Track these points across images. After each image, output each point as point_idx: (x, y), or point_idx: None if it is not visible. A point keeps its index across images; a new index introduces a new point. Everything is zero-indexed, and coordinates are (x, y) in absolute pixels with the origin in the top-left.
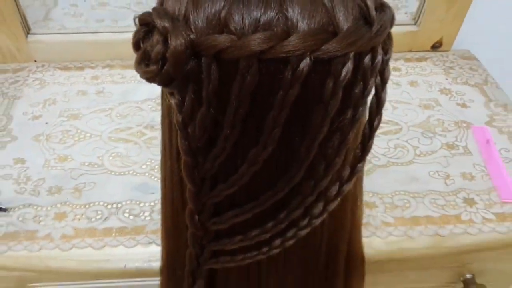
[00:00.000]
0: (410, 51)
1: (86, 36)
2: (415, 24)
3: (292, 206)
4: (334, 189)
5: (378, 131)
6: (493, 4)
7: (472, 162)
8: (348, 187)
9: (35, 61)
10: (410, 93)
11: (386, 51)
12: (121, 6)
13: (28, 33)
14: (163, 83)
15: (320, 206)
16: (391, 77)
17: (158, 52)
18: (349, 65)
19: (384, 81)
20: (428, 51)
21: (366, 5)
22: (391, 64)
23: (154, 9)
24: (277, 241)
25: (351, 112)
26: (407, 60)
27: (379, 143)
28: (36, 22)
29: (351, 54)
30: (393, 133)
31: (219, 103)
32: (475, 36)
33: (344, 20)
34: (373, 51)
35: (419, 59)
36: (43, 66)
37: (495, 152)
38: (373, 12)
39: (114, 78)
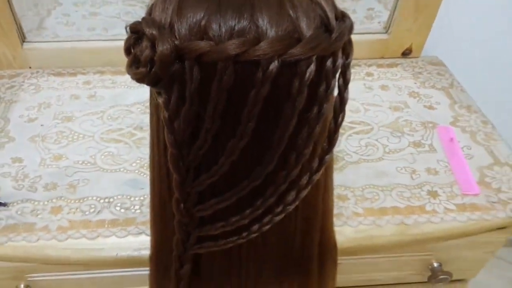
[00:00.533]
0: (382, 57)
1: (78, 43)
2: (386, 32)
3: (267, 194)
4: (305, 179)
5: (351, 131)
6: (460, 14)
7: (436, 159)
8: (317, 176)
9: (30, 67)
10: (381, 96)
11: (347, 55)
12: (111, 15)
13: (23, 41)
14: (151, 83)
15: (293, 194)
16: (364, 82)
17: (147, 56)
18: (312, 67)
19: (346, 82)
20: (399, 57)
21: (326, 15)
22: (365, 69)
23: (143, 18)
24: (255, 227)
25: (316, 108)
26: (379, 66)
27: (351, 142)
28: (30, 30)
29: (314, 58)
30: (364, 133)
31: (200, 101)
32: (445, 43)
33: (307, 28)
34: (334, 55)
35: (390, 65)
36: (37, 72)
37: (458, 149)
38: (333, 22)
39: (105, 83)
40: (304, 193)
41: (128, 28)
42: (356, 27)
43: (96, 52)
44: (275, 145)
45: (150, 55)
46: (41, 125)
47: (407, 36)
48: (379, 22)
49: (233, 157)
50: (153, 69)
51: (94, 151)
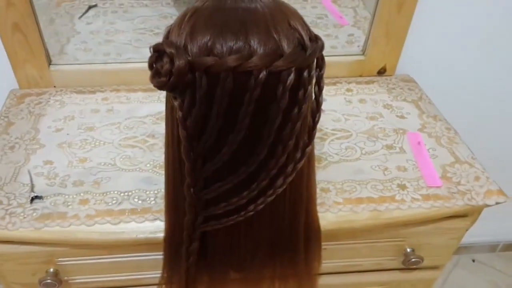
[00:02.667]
0: (360, 76)
1: (96, 66)
2: (363, 54)
3: (261, 178)
4: (290, 167)
5: (333, 137)
6: (428, 36)
7: (406, 158)
8: (300, 165)
9: (55, 86)
10: (359, 108)
11: (321, 67)
12: (124, 42)
13: (50, 64)
14: (170, 89)
15: (281, 179)
16: (344, 96)
17: (167, 69)
18: (292, 76)
19: (320, 89)
20: (375, 76)
21: (302, 37)
22: (345, 86)
23: (163, 41)
24: (251, 206)
25: (297, 108)
26: (358, 83)
27: (333, 146)
28: (53, 55)
29: (293, 69)
30: (344, 138)
31: (207, 103)
32: (416, 63)
33: (287, 47)
34: (309, 67)
35: (368, 82)
36: (61, 90)
37: (424, 150)
38: (307, 42)
39: (120, 99)
40: (290, 178)
41: (151, 48)
42: (338, 50)
43: (111, 73)
44: (265, 137)
45: (169, 68)
46: (67, 134)
47: (381, 57)
48: (358, 46)
49: (232, 148)
50: (171, 79)
51: (114, 154)
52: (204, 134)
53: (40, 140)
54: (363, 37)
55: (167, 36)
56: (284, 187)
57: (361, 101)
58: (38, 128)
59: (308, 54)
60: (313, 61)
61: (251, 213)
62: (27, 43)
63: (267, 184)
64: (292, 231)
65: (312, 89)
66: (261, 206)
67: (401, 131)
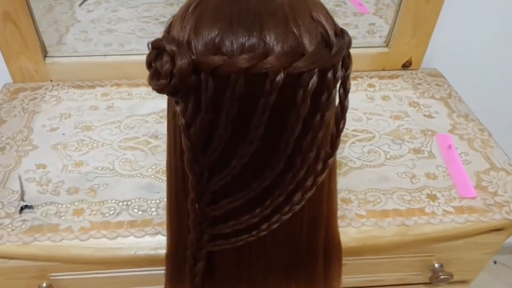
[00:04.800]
0: (383, 69)
1: (96, 58)
2: (386, 46)
3: (276, 194)
4: (310, 180)
5: (354, 139)
6: (457, 28)
7: (435, 164)
8: (321, 178)
9: (51, 80)
10: (382, 106)
11: (347, 67)
12: (127, 32)
13: (45, 56)
14: (171, 93)
15: (299, 194)
16: (366, 93)
17: (167, 69)
18: (315, 79)
19: (346, 92)
20: (399, 69)
21: (327, 32)
22: (367, 81)
23: (163, 36)
24: (264, 225)
25: (319, 115)
26: (381, 77)
27: (354, 149)
28: (50, 46)
29: (316, 70)
30: (367, 140)
31: (214, 109)
32: (444, 55)
33: (309, 44)
34: (334, 68)
35: (391, 77)
36: (58, 84)
37: (456, 155)
38: (332, 38)
39: (121, 95)
40: (309, 194)
41: (149, 44)
42: (358, 41)
43: (112, 66)
44: (282, 149)
45: (170, 69)
46: (63, 134)
47: (407, 49)
48: (380, 36)
49: (244, 160)
50: (172, 81)
51: (113, 158)
52: (211, 144)
53: (33, 141)
54: (386, 26)
55: (168, 30)
56: (303, 203)
57: (385, 98)
58: (32, 127)
59: (333, 53)
60: (339, 61)
61: (264, 232)
62: (20, 34)
63: (283, 200)
64: (310, 249)
65: (337, 92)
66: (275, 225)
67: (429, 132)
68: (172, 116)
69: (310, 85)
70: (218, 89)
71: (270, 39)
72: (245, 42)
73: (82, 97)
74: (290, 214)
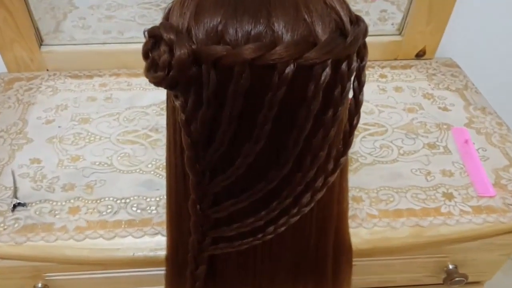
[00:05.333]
0: (396, 59)
1: (95, 46)
2: (399, 34)
3: (283, 196)
4: (320, 181)
5: (365, 133)
6: (474, 15)
7: (451, 160)
8: (332, 178)
9: (47, 70)
10: (395, 98)
11: (362, 58)
12: (127, 18)
13: (41, 44)
14: (169, 86)
15: (308, 196)
16: (378, 83)
17: (165, 60)
18: (328, 71)
19: (361, 85)
20: (413, 59)
21: (341, 19)
22: (378, 71)
23: (161, 23)
24: (271, 228)
25: (332, 111)
26: (393, 67)
27: (366, 144)
28: (47, 33)
29: (329, 61)
30: (379, 134)
31: (217, 103)
32: (459, 44)
33: (322, 32)
34: (348, 59)
35: (404, 67)
36: (54, 74)
37: (473, 151)
38: (348, 26)
39: (121, 86)
40: (319, 195)
41: (146, 32)
42: (370, 29)
43: (111, 54)
44: (291, 147)
45: (168, 59)
46: (59, 127)
47: (421, 38)
48: (392, 24)
49: (249, 159)
50: (170, 73)
51: (111, 152)
52: (213, 142)
53: (27, 134)
54: (398, 13)
55: (167, 16)
56: (312, 205)
57: (397, 89)
58: (26, 119)
59: (348, 42)
60: (355, 51)
61: (271, 236)
62: (13, 21)
63: (291, 202)
64: (319, 252)
65: (351, 85)
66: (282, 228)
67: (444, 126)
68: (171, 111)
69: (323, 78)
70: (221, 82)
71: (279, 26)
72: (251, 30)
73: (80, 88)
74: (298, 217)
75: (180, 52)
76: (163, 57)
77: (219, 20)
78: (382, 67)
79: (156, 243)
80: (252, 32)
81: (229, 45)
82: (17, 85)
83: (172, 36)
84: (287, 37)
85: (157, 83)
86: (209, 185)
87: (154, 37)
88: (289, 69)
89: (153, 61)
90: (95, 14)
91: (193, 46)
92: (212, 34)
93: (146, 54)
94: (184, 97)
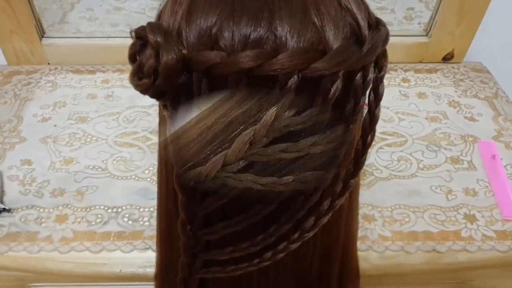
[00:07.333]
0: (421, 62)
1: (99, 40)
2: (426, 35)
3: (282, 220)
4: (326, 204)
5: (383, 143)
6: (509, 17)
7: (476, 178)
8: (340, 202)
9: (49, 63)
10: (417, 105)
11: (381, 68)
12: (136, 11)
13: (42, 37)
14: (155, 96)
15: (311, 220)
16: (399, 88)
17: (150, 66)
18: (338, 83)
19: (378, 99)
20: (439, 62)
21: (358, 23)
22: (401, 75)
23: (148, 23)
24: (268, 254)
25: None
26: (417, 71)
27: (382, 155)
28: (52, 24)
29: (341, 73)
30: (397, 145)
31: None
32: (490, 48)
33: (333, 39)
34: (364, 70)
35: (429, 71)
36: (56, 68)
37: (500, 168)
38: (365, 31)
39: (123, 83)
40: (324, 219)
41: (133, 33)
42: (394, 28)
43: (116, 49)
44: None
45: (154, 65)
46: (54, 126)
47: (450, 39)
48: (419, 24)
49: None
50: (156, 81)
51: (106, 155)
52: None
53: (21, 132)
54: (426, 12)
55: (159, 16)
56: (316, 230)
57: (420, 95)
58: (22, 116)
59: (365, 51)
60: (372, 61)
61: (268, 262)
62: (12, 10)
63: (292, 227)
64: (322, 280)
65: (366, 99)
66: (281, 255)
67: (470, 138)
68: (162, 120)
69: (332, 91)
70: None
71: (283, 31)
72: (250, 34)
73: (80, 84)
74: (299, 243)
75: (167, 57)
76: (148, 62)
77: (213, 21)
78: (405, 71)
79: (145, 259)
80: (251, 37)
81: (224, 51)
82: (15, 79)
83: (159, 39)
84: (291, 43)
85: (142, 91)
86: (200, 205)
87: (141, 38)
88: (292, 81)
89: (140, 66)
90: (104, 5)
91: (183, 51)
92: (205, 37)
93: (133, 58)
94: (173, 107)
